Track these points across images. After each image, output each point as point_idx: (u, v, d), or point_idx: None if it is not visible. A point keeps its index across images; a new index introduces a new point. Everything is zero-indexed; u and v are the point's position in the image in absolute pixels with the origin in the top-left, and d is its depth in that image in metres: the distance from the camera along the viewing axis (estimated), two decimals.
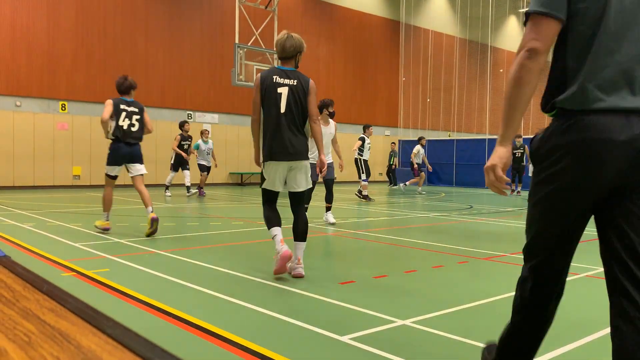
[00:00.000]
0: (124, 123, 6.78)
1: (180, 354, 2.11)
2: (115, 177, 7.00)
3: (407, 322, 3.23)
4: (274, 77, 4.43)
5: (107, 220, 6.95)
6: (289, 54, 4.55)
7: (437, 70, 26.77)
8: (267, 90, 4.41)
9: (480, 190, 19.57)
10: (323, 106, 8.16)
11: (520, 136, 16.89)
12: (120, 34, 17.51)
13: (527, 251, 1.98)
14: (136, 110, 6.94)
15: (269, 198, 4.57)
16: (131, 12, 17.72)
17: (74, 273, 4.46)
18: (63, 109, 16.47)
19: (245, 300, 3.66)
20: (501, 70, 30.05)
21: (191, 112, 19.15)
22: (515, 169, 16.36)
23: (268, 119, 4.43)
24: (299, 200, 4.58)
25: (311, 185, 4.76)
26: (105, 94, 17.27)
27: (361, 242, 6.66)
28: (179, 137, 13.61)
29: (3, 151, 15.35)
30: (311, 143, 7.19)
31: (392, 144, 22.48)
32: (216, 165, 15.09)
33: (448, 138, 23.75)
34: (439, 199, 14.85)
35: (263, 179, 4.54)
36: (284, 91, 4.40)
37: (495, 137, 22.19)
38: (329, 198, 8.30)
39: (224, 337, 2.89)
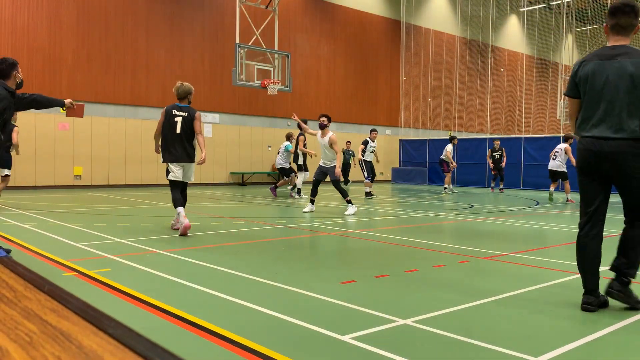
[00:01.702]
0: None
1: (182, 353, 2.12)
2: None
3: (408, 321, 3.23)
4: (173, 110, 6.94)
5: None
6: (182, 95, 7.04)
7: (438, 70, 26.74)
8: (168, 118, 6.89)
9: (482, 189, 19.55)
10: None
11: (498, 140, 18.53)
12: (122, 34, 17.52)
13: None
14: None
15: (176, 185, 6.98)
16: (132, 12, 17.73)
17: (76, 273, 4.47)
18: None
19: (247, 299, 3.66)
20: (502, 70, 30.03)
21: None
22: (497, 169, 17.88)
23: (169, 135, 6.86)
24: (185, 186, 7.07)
25: (192, 180, 7.09)
26: (106, 94, 17.33)
27: (362, 241, 6.66)
28: (302, 137, 13.54)
29: None
30: (330, 152, 9.89)
31: (348, 143, 20.92)
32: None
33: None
34: (439, 198, 14.85)
35: (168, 172, 7.00)
36: (179, 119, 6.87)
37: (495, 136, 22.23)
38: (344, 195, 9.74)
39: (225, 337, 2.90)
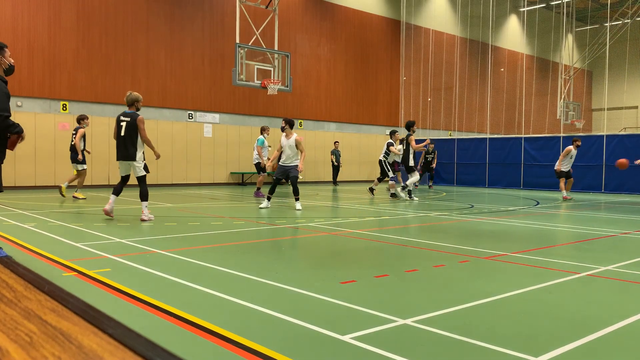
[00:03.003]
0: None
1: (181, 353, 2.11)
2: None
3: (408, 321, 3.23)
4: (120, 116, 8.18)
5: None
6: (129, 103, 8.20)
7: (438, 70, 26.74)
8: (117, 123, 8.19)
9: (481, 189, 19.55)
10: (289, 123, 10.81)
11: (433, 142, 19.88)
12: (122, 33, 17.52)
13: None
14: None
15: (123, 179, 8.38)
16: (132, 12, 17.72)
17: (76, 273, 4.47)
18: (64, 109, 16.49)
19: (247, 299, 3.66)
20: (502, 69, 30.01)
21: (192, 112, 19.16)
22: (428, 170, 19.81)
23: (118, 138, 8.16)
24: (141, 180, 8.27)
25: (145, 173, 8.24)
26: (106, 94, 17.33)
27: (362, 241, 6.66)
28: (412, 137, 13.45)
29: None
30: (293, 152, 10.76)
31: (336, 143, 21.76)
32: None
33: (449, 137, 23.73)
34: (440, 198, 14.85)
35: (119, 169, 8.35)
36: (123, 124, 8.10)
37: (495, 136, 22.21)
38: (295, 191, 10.57)
39: (225, 337, 2.90)
